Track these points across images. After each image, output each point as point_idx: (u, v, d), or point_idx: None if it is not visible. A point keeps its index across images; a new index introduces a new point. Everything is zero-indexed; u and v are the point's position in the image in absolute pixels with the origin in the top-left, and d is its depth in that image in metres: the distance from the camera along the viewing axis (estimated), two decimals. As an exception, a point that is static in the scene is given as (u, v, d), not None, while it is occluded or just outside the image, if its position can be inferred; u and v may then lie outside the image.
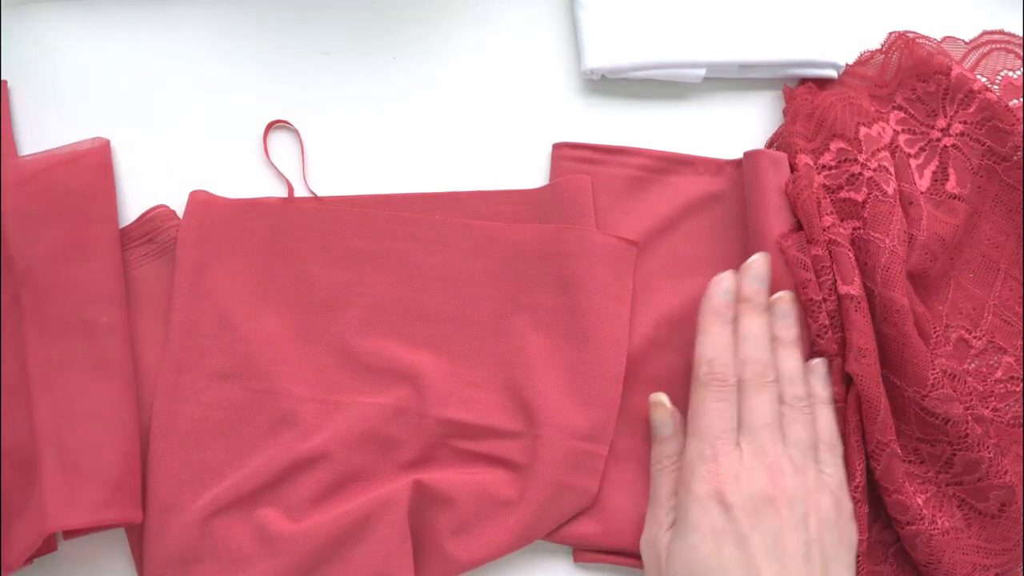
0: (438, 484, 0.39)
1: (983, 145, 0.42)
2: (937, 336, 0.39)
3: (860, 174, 0.39)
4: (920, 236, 0.40)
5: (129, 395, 0.39)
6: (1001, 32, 0.45)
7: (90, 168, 0.41)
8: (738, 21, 0.43)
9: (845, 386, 0.39)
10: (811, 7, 0.44)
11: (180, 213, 0.42)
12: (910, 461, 0.39)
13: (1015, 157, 0.41)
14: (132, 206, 0.42)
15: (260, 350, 0.40)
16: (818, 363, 0.39)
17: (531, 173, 0.44)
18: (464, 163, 0.44)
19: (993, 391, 0.41)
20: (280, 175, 0.43)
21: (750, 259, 0.39)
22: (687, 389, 0.38)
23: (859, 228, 0.39)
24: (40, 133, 0.43)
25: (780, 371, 0.38)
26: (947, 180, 0.42)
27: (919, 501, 0.38)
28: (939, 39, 0.44)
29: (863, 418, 0.38)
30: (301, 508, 0.39)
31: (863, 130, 0.40)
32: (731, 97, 0.45)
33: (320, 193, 0.43)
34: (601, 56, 0.43)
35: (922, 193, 0.41)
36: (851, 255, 0.38)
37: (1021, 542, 0.38)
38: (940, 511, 0.38)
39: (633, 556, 0.39)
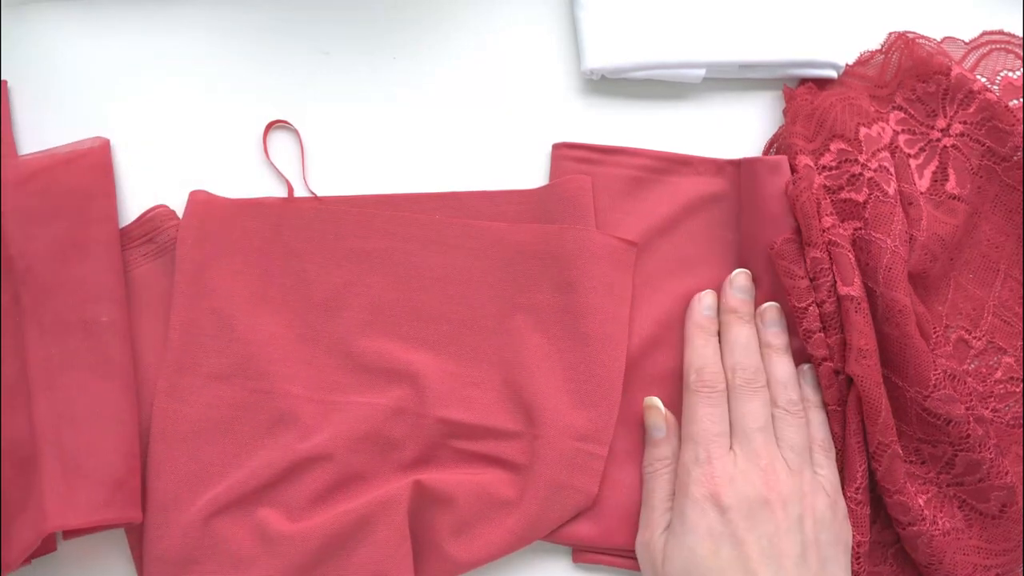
0: (438, 484, 0.39)
1: (983, 145, 0.42)
2: (937, 336, 0.39)
3: (861, 174, 0.39)
4: (920, 236, 0.40)
5: (129, 395, 0.39)
6: (1001, 32, 0.45)
7: (90, 168, 0.41)
8: (738, 21, 0.43)
9: (844, 388, 0.39)
10: (811, 7, 0.44)
11: (180, 213, 0.42)
12: (911, 462, 0.39)
13: (1015, 157, 0.41)
14: (132, 206, 0.42)
15: (260, 350, 0.40)
16: (807, 368, 0.39)
17: (531, 173, 0.44)
18: (464, 163, 0.44)
19: (993, 391, 0.41)
20: (280, 175, 0.43)
21: (732, 274, 0.40)
22: (687, 389, 0.39)
23: (860, 229, 0.39)
24: (40, 133, 0.43)
25: (773, 376, 0.38)
26: (947, 180, 0.42)
27: (920, 502, 0.38)
28: (939, 39, 0.44)
29: (864, 419, 0.38)
30: (301, 508, 0.39)
31: (863, 130, 0.40)
32: (731, 97, 0.45)
33: (320, 193, 0.43)
34: (601, 56, 0.43)
35: (922, 193, 0.41)
36: (851, 256, 0.38)
37: (1022, 543, 0.38)
38: (941, 512, 0.38)
39: (633, 557, 0.39)
